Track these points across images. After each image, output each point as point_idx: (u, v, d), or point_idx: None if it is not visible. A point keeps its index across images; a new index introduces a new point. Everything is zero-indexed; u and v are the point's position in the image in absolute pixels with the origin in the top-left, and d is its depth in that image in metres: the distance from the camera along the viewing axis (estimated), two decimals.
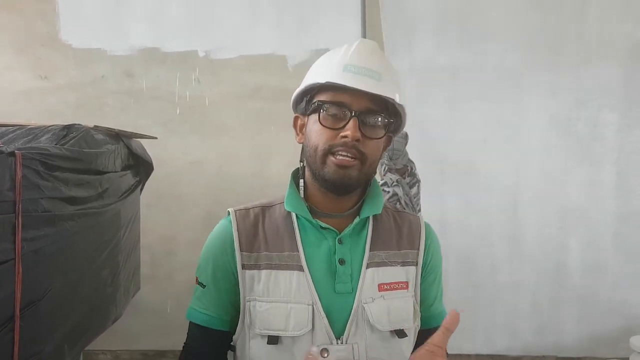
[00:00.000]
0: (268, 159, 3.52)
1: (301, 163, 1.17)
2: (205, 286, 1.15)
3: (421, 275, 1.17)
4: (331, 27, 3.45)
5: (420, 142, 3.19)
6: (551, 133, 3.50)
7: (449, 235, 3.30)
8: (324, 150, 1.06)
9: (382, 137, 1.09)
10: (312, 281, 1.10)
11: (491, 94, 3.49)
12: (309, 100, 1.12)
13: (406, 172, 2.80)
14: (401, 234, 1.18)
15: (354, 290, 1.10)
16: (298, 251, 1.12)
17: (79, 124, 2.19)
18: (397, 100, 1.07)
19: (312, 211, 1.15)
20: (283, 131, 3.44)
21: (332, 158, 1.06)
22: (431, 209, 2.97)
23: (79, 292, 2.18)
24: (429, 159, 3.26)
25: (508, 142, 3.52)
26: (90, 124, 2.29)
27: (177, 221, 3.56)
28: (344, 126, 1.05)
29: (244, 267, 1.12)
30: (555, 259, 3.57)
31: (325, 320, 1.08)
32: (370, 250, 1.13)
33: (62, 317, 2.03)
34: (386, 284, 1.11)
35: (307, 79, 1.13)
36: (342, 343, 1.07)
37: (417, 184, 2.84)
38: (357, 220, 1.14)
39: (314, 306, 1.08)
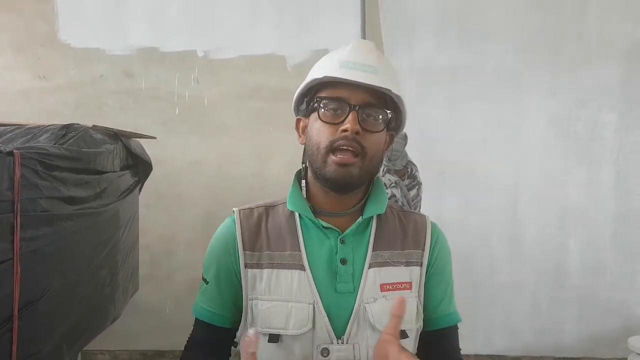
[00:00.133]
0: (268, 159, 3.52)
1: (303, 164, 1.17)
2: (208, 283, 1.17)
3: (426, 275, 1.16)
4: (331, 28, 3.44)
5: (420, 142, 3.19)
6: (551, 133, 3.50)
7: (448, 235, 3.26)
8: (325, 148, 1.07)
9: (382, 130, 1.09)
10: (314, 280, 1.10)
11: (491, 94, 3.49)
12: (309, 100, 1.13)
13: (406, 174, 2.78)
14: (406, 234, 1.17)
15: (355, 290, 1.10)
16: (300, 250, 1.12)
17: (77, 124, 2.19)
18: (395, 91, 1.07)
19: (315, 211, 1.15)
20: (283, 131, 3.44)
21: (332, 157, 1.06)
22: (431, 209, 2.96)
23: (78, 292, 2.17)
24: (429, 159, 3.26)
25: (508, 142, 3.52)
26: (89, 124, 2.28)
27: (176, 221, 3.56)
28: (344, 120, 1.05)
29: (246, 266, 1.13)
30: (554, 259, 3.57)
31: (326, 320, 1.08)
32: (373, 250, 1.13)
33: (61, 317, 2.02)
34: (389, 284, 1.11)
35: (307, 78, 1.14)
36: (342, 343, 1.08)
37: (417, 187, 2.81)
38: (359, 219, 1.14)
39: (315, 305, 1.08)
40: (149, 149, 3.01)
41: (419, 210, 2.85)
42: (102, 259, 2.41)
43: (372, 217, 1.16)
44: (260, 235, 1.15)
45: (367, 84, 1.05)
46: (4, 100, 3.47)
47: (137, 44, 3.51)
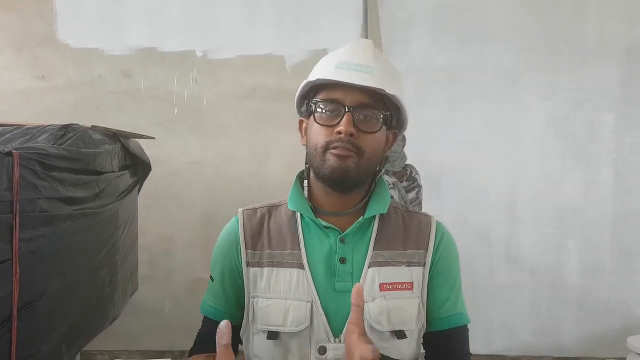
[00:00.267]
0: (266, 159, 3.52)
1: (306, 165, 1.18)
2: (214, 281, 1.21)
3: (429, 276, 1.16)
4: (330, 27, 3.45)
5: (418, 142, 3.19)
6: (549, 133, 3.51)
7: None
8: (322, 147, 1.08)
9: (378, 130, 1.09)
10: (312, 279, 1.11)
11: (489, 94, 3.49)
12: (308, 102, 1.14)
13: (404, 176, 2.76)
14: (408, 234, 1.17)
15: None
16: (300, 249, 1.14)
17: (76, 124, 2.19)
18: (389, 92, 1.07)
19: (316, 210, 1.16)
20: (281, 131, 3.44)
21: (330, 151, 1.07)
22: (429, 209, 2.96)
23: (77, 292, 2.17)
24: (427, 159, 3.26)
25: (506, 143, 3.52)
26: (88, 124, 2.28)
27: (175, 221, 3.56)
28: (339, 122, 1.06)
29: (248, 264, 1.15)
30: (553, 259, 3.57)
31: (324, 318, 1.09)
32: (374, 249, 1.13)
33: (60, 318, 2.02)
34: (388, 284, 1.11)
35: (305, 80, 1.15)
36: (340, 341, 1.08)
37: (416, 189, 2.78)
38: (360, 219, 1.14)
39: (313, 304, 1.09)
40: (148, 149, 3.01)
41: None
42: (101, 259, 2.41)
43: (375, 216, 1.16)
44: (262, 235, 1.17)
45: (359, 84, 1.06)
46: (3, 101, 3.46)
47: (136, 44, 3.51)
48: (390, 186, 2.73)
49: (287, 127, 3.41)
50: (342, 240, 1.13)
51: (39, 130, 2.10)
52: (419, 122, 3.41)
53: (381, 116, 1.09)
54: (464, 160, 3.51)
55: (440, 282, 1.17)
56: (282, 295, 1.11)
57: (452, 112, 3.49)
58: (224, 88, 3.53)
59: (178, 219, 3.56)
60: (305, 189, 1.18)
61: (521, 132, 3.52)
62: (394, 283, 1.12)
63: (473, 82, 3.48)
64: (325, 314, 1.09)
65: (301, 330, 1.09)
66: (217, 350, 0.93)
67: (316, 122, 1.10)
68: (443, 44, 3.49)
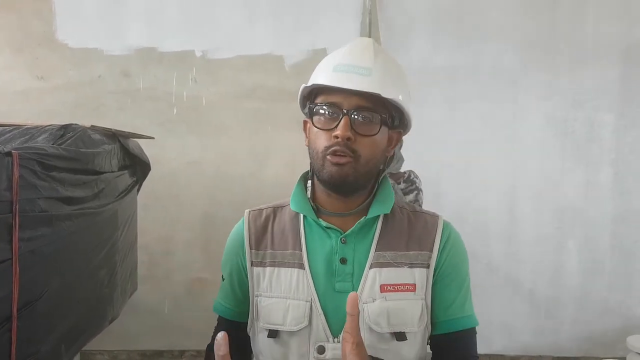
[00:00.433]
0: (265, 159, 3.52)
1: (311, 165, 1.18)
2: (224, 280, 1.24)
3: (433, 277, 1.14)
4: (330, 27, 3.44)
5: (418, 142, 3.18)
6: (549, 133, 3.51)
7: None
8: (321, 152, 1.08)
9: (377, 133, 1.09)
10: (312, 279, 1.12)
11: (489, 94, 3.49)
12: (309, 104, 1.15)
13: (402, 178, 2.75)
14: (413, 235, 1.16)
15: (354, 290, 1.11)
16: (301, 250, 1.15)
17: (75, 124, 2.19)
18: (387, 95, 1.07)
19: (319, 211, 1.16)
20: (281, 131, 3.44)
21: (329, 157, 1.07)
22: (428, 209, 2.97)
23: (76, 292, 2.17)
24: (426, 159, 3.26)
25: (505, 143, 3.52)
26: (88, 124, 2.28)
27: (174, 221, 3.55)
28: (337, 126, 1.06)
29: (252, 264, 1.18)
30: (552, 259, 3.57)
31: (323, 318, 1.09)
32: (376, 250, 1.13)
33: (59, 318, 2.02)
34: (389, 285, 1.11)
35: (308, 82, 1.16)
36: (338, 342, 1.08)
37: (415, 192, 2.76)
38: (362, 219, 1.14)
39: (312, 303, 1.10)
40: (147, 149, 3.01)
41: None
42: (100, 259, 2.41)
43: (379, 217, 1.16)
44: (266, 235, 1.19)
45: (354, 89, 1.05)
46: (3, 101, 3.46)
47: (135, 44, 3.51)
48: None
49: (287, 127, 3.42)
50: (343, 241, 1.13)
51: (39, 130, 2.10)
52: (419, 122, 3.39)
53: (379, 118, 1.09)
54: (464, 160, 3.51)
55: (447, 283, 1.16)
56: (282, 295, 1.13)
57: (451, 112, 3.49)
58: (224, 88, 3.53)
59: (177, 219, 3.56)
60: (309, 189, 1.19)
61: (521, 132, 3.52)
62: (396, 284, 1.11)
63: (473, 82, 3.48)
64: (324, 314, 1.10)
65: (300, 330, 1.10)
66: None
67: (315, 126, 1.10)
68: (442, 44, 3.48)
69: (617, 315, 3.56)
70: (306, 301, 1.11)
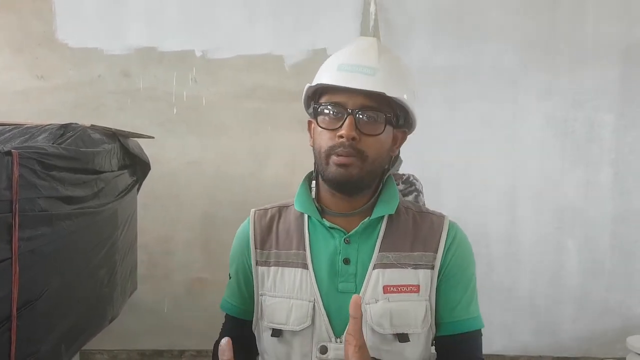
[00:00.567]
0: (265, 159, 3.52)
1: (315, 165, 1.18)
2: (231, 278, 1.25)
3: (438, 279, 1.13)
4: (330, 27, 3.44)
5: (418, 142, 3.18)
6: (548, 133, 3.51)
7: None
8: (326, 152, 1.08)
9: (382, 132, 1.09)
10: (315, 279, 1.12)
11: (489, 94, 3.49)
12: (314, 104, 1.14)
13: (400, 179, 2.74)
14: (417, 235, 1.15)
15: (357, 290, 1.11)
16: (305, 250, 1.15)
17: (75, 123, 2.19)
18: (391, 94, 1.06)
19: (323, 211, 1.16)
20: (280, 131, 3.44)
21: (333, 158, 1.07)
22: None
23: (76, 291, 2.17)
24: (426, 159, 3.26)
25: (506, 143, 3.52)
26: (88, 124, 2.28)
27: (174, 221, 3.55)
28: (341, 126, 1.06)
29: (257, 263, 1.18)
30: (552, 259, 3.57)
31: (325, 318, 1.09)
32: (380, 251, 1.13)
33: (59, 317, 2.02)
34: (392, 286, 1.10)
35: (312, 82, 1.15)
36: (341, 342, 1.08)
37: (414, 194, 2.75)
38: (366, 220, 1.14)
39: (315, 303, 1.10)
40: (147, 148, 3.01)
41: None
42: (100, 259, 2.41)
43: (383, 217, 1.16)
44: (271, 235, 1.19)
45: (359, 89, 1.05)
46: (3, 100, 3.46)
47: (135, 43, 3.51)
48: None
49: (287, 127, 3.42)
50: (347, 241, 1.13)
51: (39, 129, 2.10)
52: (419, 122, 3.42)
53: (384, 117, 1.08)
54: (464, 160, 3.51)
55: (452, 285, 1.15)
56: (286, 294, 1.13)
57: (451, 112, 3.49)
58: (224, 88, 3.53)
59: (177, 218, 3.56)
60: (314, 189, 1.19)
61: (521, 132, 3.52)
62: (399, 285, 1.11)
63: (473, 82, 3.48)
64: (327, 314, 1.10)
65: (303, 329, 1.10)
66: None
67: (319, 126, 1.10)
68: (442, 44, 3.48)
69: (617, 315, 3.56)
70: (309, 301, 1.11)
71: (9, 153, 1.66)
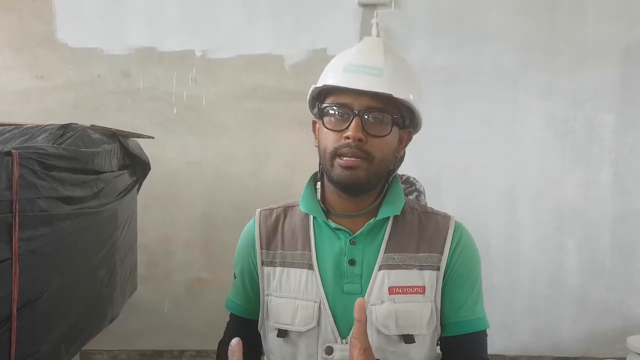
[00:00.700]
0: (265, 159, 3.52)
1: (320, 166, 1.18)
2: (236, 278, 1.25)
3: (443, 280, 1.13)
4: (330, 27, 3.43)
5: (418, 142, 3.18)
6: (548, 133, 3.51)
7: None
8: (331, 153, 1.08)
9: (388, 134, 1.08)
10: (321, 280, 1.12)
11: (489, 94, 3.49)
12: (320, 105, 1.14)
13: (399, 179, 2.73)
14: (423, 236, 1.15)
15: (363, 292, 1.11)
16: (310, 250, 1.14)
17: (75, 124, 2.19)
18: (398, 95, 1.06)
19: (329, 212, 1.16)
20: (281, 131, 3.44)
21: (338, 160, 1.07)
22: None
23: (76, 292, 2.17)
24: (426, 159, 3.26)
25: (506, 143, 3.52)
26: (88, 124, 2.28)
27: (174, 221, 3.55)
28: (348, 127, 1.05)
29: (263, 263, 1.18)
30: (552, 259, 3.57)
31: (331, 319, 1.09)
32: (385, 252, 1.13)
33: (59, 317, 2.02)
34: (398, 287, 1.10)
35: (317, 83, 1.15)
36: (347, 343, 1.08)
37: (415, 195, 2.75)
38: (371, 221, 1.13)
39: (321, 304, 1.10)
40: (147, 148, 3.01)
41: None
42: (100, 259, 2.41)
43: (388, 218, 1.15)
44: (277, 235, 1.19)
45: (365, 90, 1.05)
46: (3, 101, 3.46)
47: (135, 43, 3.51)
48: None
49: (287, 127, 3.42)
50: (352, 242, 1.13)
51: (38, 129, 2.10)
52: None
53: (391, 119, 1.08)
54: (464, 160, 3.51)
55: (457, 285, 1.15)
56: (292, 295, 1.13)
57: (451, 112, 3.49)
58: (224, 88, 3.53)
59: (177, 219, 3.56)
60: (319, 190, 1.19)
61: (521, 132, 3.52)
62: (405, 287, 1.10)
63: (473, 82, 3.48)
64: (333, 315, 1.10)
65: (308, 330, 1.10)
66: None
67: (325, 127, 1.09)
68: (442, 44, 3.48)
69: (617, 315, 3.56)
70: (315, 302, 1.11)
71: (9, 153, 1.66)
